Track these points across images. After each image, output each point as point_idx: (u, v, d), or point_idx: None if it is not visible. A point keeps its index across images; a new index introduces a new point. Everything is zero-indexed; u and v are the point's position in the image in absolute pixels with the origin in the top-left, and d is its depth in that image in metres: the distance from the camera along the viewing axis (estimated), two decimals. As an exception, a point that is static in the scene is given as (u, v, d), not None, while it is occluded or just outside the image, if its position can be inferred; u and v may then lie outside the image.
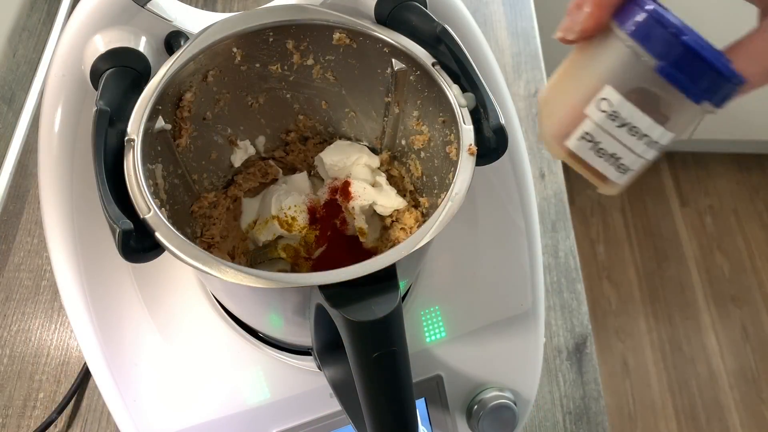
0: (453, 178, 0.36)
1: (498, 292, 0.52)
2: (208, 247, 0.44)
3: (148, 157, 0.36)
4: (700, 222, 1.83)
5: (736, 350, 1.62)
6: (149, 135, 0.37)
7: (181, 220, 0.42)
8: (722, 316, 1.67)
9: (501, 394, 0.51)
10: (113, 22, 0.40)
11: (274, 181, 0.49)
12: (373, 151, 0.48)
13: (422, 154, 0.44)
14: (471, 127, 0.37)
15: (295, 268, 0.46)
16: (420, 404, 0.50)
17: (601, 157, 0.32)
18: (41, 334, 0.67)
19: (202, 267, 0.32)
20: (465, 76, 0.39)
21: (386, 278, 0.32)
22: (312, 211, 0.47)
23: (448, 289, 0.51)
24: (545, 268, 0.72)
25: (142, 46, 0.40)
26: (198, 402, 0.47)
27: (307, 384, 0.49)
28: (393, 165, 0.48)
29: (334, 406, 0.49)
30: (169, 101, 0.39)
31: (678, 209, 1.85)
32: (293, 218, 0.45)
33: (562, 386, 0.66)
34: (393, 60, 0.41)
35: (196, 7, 0.45)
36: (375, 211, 0.46)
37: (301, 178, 0.48)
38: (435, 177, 0.43)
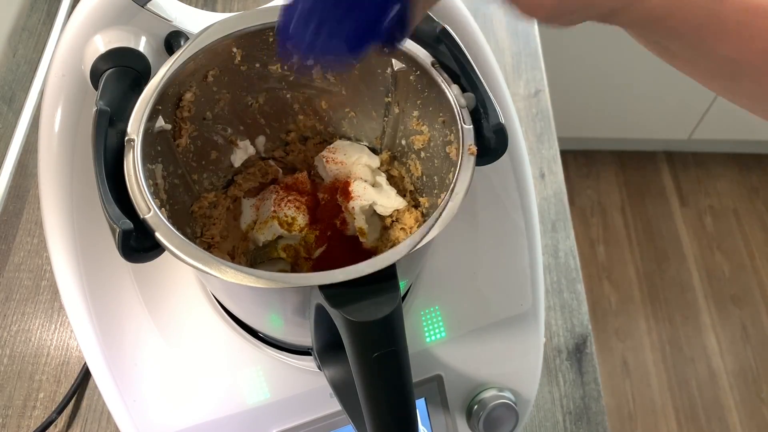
0: (453, 178, 0.36)
1: (498, 292, 0.52)
2: (208, 247, 0.44)
3: (148, 157, 0.36)
4: (700, 222, 1.83)
5: (736, 350, 1.62)
6: (149, 135, 0.37)
7: (181, 220, 0.42)
8: (722, 316, 1.67)
9: (501, 394, 0.51)
10: (113, 22, 0.40)
11: (274, 181, 0.49)
12: (373, 151, 0.48)
13: (422, 154, 0.44)
14: (471, 127, 0.37)
15: (295, 268, 0.46)
16: (420, 404, 0.50)
17: None
18: (41, 334, 0.67)
19: (202, 267, 0.32)
20: (465, 76, 0.39)
21: (386, 278, 0.32)
22: (312, 211, 0.47)
23: (448, 289, 0.51)
24: (545, 268, 0.72)
25: (142, 46, 0.40)
26: (198, 402, 0.47)
27: (307, 384, 0.48)
28: (393, 165, 0.48)
29: (334, 406, 0.49)
30: (169, 101, 0.39)
31: (678, 209, 1.85)
32: (293, 218, 0.45)
33: (562, 386, 0.66)
34: (393, 60, 0.41)
35: (196, 7, 0.45)
36: (375, 211, 0.46)
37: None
38: (435, 177, 0.43)
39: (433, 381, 0.51)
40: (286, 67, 0.44)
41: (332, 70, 0.33)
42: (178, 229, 0.33)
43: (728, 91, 0.38)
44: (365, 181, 0.46)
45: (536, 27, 0.92)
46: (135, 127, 0.36)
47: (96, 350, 0.45)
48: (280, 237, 0.46)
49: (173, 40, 0.42)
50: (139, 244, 0.32)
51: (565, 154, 1.26)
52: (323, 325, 0.37)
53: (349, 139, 0.49)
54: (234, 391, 0.47)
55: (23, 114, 0.80)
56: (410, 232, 0.44)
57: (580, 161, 1.91)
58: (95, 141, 0.34)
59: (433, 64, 0.39)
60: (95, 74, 0.39)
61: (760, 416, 1.53)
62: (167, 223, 0.33)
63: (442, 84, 0.39)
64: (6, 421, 0.62)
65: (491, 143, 0.37)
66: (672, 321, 1.67)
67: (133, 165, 0.34)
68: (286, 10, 0.31)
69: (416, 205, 0.46)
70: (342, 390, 0.42)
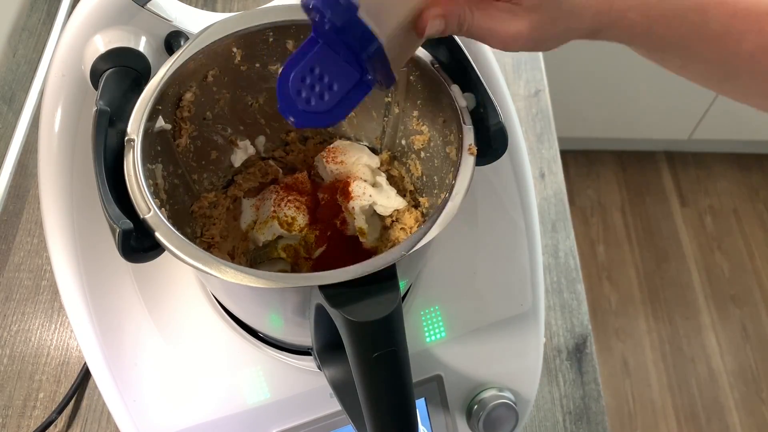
0: (453, 178, 0.36)
1: (498, 292, 0.52)
2: (208, 247, 0.44)
3: (148, 157, 0.36)
4: (700, 222, 1.83)
5: (736, 350, 1.62)
6: (149, 135, 0.37)
7: (181, 220, 0.42)
8: (722, 316, 1.67)
9: (501, 394, 0.51)
10: (113, 22, 0.40)
11: (274, 181, 0.49)
12: (373, 151, 0.48)
13: (422, 154, 0.44)
14: (471, 127, 0.37)
15: (295, 268, 0.46)
16: (420, 404, 0.50)
17: None
18: (41, 334, 0.67)
19: (202, 267, 0.32)
20: (465, 76, 0.39)
21: (386, 278, 0.32)
22: (312, 211, 0.47)
23: (448, 289, 0.51)
24: (545, 268, 0.72)
25: (142, 46, 0.40)
26: (198, 402, 0.47)
27: (307, 384, 0.48)
28: (393, 165, 0.48)
29: (334, 406, 0.49)
30: (169, 101, 0.39)
31: (678, 209, 1.85)
32: (293, 218, 0.45)
33: (562, 386, 0.66)
34: (393, 60, 0.41)
35: (196, 7, 0.45)
36: (375, 211, 0.46)
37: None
38: (435, 177, 0.43)
39: (433, 381, 0.51)
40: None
41: (327, 126, 0.36)
42: (178, 229, 0.33)
43: (723, 90, 0.39)
44: (365, 181, 0.46)
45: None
46: (135, 127, 0.36)
47: (96, 350, 0.45)
48: (280, 237, 0.46)
49: (173, 40, 0.42)
50: (139, 244, 0.32)
51: (565, 154, 1.25)
52: (323, 325, 0.37)
53: (349, 139, 0.49)
54: (234, 391, 0.47)
55: (23, 114, 0.80)
56: (410, 232, 0.44)
57: (580, 161, 1.91)
58: (95, 141, 0.34)
59: (433, 64, 0.39)
60: (95, 74, 0.39)
61: (760, 416, 1.53)
62: (167, 223, 0.33)
63: (442, 84, 0.39)
64: (6, 421, 0.62)
65: (491, 143, 0.37)
66: (672, 321, 1.66)
67: (133, 165, 0.34)
68: (280, 79, 0.34)
69: (416, 205, 0.46)
70: (342, 390, 0.42)
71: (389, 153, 0.47)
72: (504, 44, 0.35)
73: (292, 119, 0.34)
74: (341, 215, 0.46)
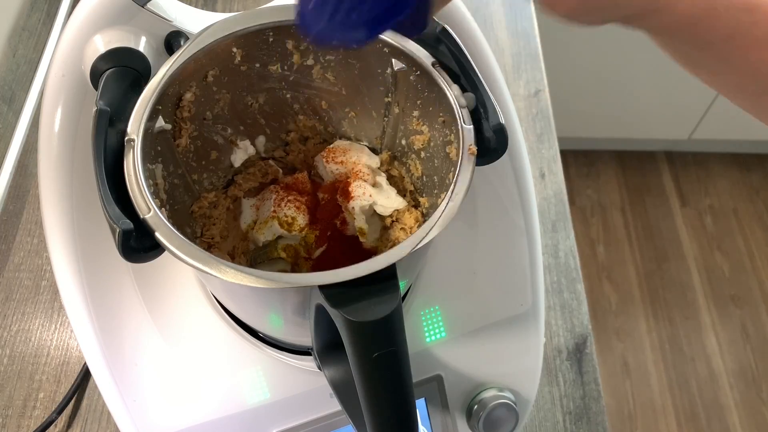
0: (453, 178, 0.36)
1: (498, 292, 0.52)
2: (208, 247, 0.44)
3: (148, 157, 0.36)
4: (700, 222, 1.83)
5: (736, 350, 1.62)
6: (149, 135, 0.37)
7: (181, 220, 0.42)
8: (722, 316, 1.67)
9: (501, 394, 0.51)
10: (113, 22, 0.40)
11: (274, 181, 0.49)
12: (373, 151, 0.48)
13: (422, 154, 0.44)
14: (471, 127, 0.37)
15: (295, 268, 0.46)
16: (420, 404, 0.50)
17: None
18: (41, 334, 0.67)
19: (202, 267, 0.32)
20: (465, 76, 0.39)
21: (386, 278, 0.32)
22: (312, 211, 0.47)
23: (448, 289, 0.51)
24: (545, 268, 0.72)
25: (142, 46, 0.40)
26: (198, 402, 0.47)
27: (307, 384, 0.49)
28: (393, 165, 0.48)
29: (334, 406, 0.49)
30: (169, 101, 0.39)
31: (678, 209, 1.85)
32: (293, 218, 0.45)
33: (562, 386, 0.66)
34: (393, 60, 0.41)
35: (196, 7, 0.45)
36: (375, 211, 0.46)
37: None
38: (435, 177, 0.43)
39: (433, 381, 0.51)
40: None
41: (347, 48, 0.33)
42: (178, 229, 0.33)
43: (757, 107, 0.36)
44: (365, 181, 0.46)
45: (536, 27, 0.92)
46: (135, 127, 0.36)
47: (96, 350, 0.45)
48: (280, 237, 0.46)
49: (173, 40, 0.42)
50: (139, 244, 0.32)
51: (565, 154, 1.26)
52: (323, 325, 0.37)
53: (349, 139, 0.49)
54: (234, 391, 0.47)
55: (23, 114, 0.80)
56: (410, 232, 0.44)
57: (580, 161, 1.91)
58: (95, 141, 0.34)
59: (433, 64, 0.39)
60: (95, 74, 0.39)
61: (760, 416, 1.53)
62: (167, 223, 0.33)
63: (442, 84, 0.39)
64: (6, 421, 0.62)
65: (491, 143, 0.37)
66: (672, 321, 1.67)
67: (133, 165, 0.34)
68: None
69: (416, 205, 0.46)
70: (342, 390, 0.42)
71: (389, 153, 0.47)
72: (552, 2, 0.33)
73: (311, 33, 0.31)
74: (341, 215, 0.46)
